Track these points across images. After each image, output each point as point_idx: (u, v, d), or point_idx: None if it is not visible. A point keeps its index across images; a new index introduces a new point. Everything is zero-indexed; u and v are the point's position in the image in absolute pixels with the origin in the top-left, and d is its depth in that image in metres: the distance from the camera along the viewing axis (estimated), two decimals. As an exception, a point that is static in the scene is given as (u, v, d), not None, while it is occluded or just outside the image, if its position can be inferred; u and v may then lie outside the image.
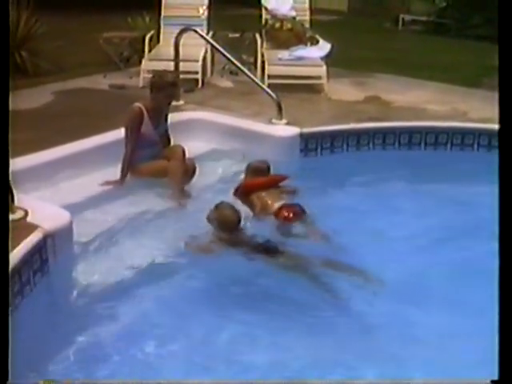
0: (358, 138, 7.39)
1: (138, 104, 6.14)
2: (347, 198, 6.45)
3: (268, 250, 5.25)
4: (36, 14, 10.23)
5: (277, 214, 5.75)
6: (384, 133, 7.49)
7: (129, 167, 6.17)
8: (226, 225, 5.42)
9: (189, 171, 6.32)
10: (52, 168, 6.02)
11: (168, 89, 6.25)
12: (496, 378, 2.47)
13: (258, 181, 6.14)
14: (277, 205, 5.79)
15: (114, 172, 6.18)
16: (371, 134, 7.44)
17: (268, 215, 5.79)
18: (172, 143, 6.55)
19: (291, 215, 5.73)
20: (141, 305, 4.68)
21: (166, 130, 6.53)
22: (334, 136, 7.31)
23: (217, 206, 5.46)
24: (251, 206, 5.93)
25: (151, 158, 6.27)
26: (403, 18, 16.71)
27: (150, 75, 7.10)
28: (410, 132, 7.52)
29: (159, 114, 6.34)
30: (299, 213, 5.77)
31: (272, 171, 6.35)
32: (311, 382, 3.98)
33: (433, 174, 6.85)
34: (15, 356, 3.10)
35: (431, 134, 7.48)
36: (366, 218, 6.03)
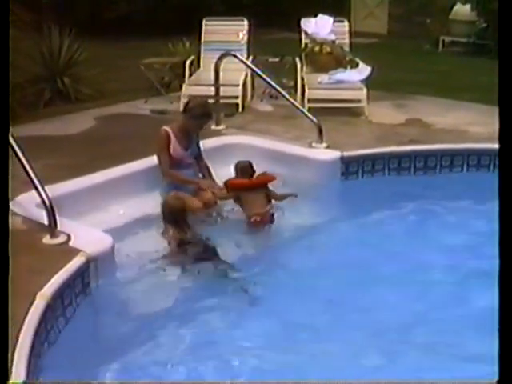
0: (399, 161, 7.34)
1: (164, 127, 6.23)
2: (388, 223, 6.42)
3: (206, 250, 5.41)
4: (78, 41, 10.42)
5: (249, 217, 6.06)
6: (425, 155, 7.43)
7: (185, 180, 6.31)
8: (171, 214, 5.60)
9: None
10: (95, 193, 6.09)
11: (198, 115, 6.31)
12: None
13: (242, 182, 6.32)
14: (254, 214, 6.02)
15: (154, 197, 6.25)
16: (412, 156, 7.38)
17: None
18: (209, 166, 6.65)
19: (258, 219, 6.02)
20: (178, 330, 4.67)
21: (200, 155, 6.59)
22: (374, 159, 7.26)
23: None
24: (240, 205, 6.24)
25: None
26: (443, 40, 16.61)
27: (191, 100, 7.14)
28: (452, 154, 7.45)
29: (189, 137, 6.38)
30: (266, 220, 6.04)
31: (313, 195, 6.47)
32: (311, 382, 3.96)
33: (476, 196, 6.76)
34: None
35: (473, 156, 7.40)
36: (406, 244, 5.97)
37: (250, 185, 6.29)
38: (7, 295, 2.97)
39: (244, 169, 6.43)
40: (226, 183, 6.34)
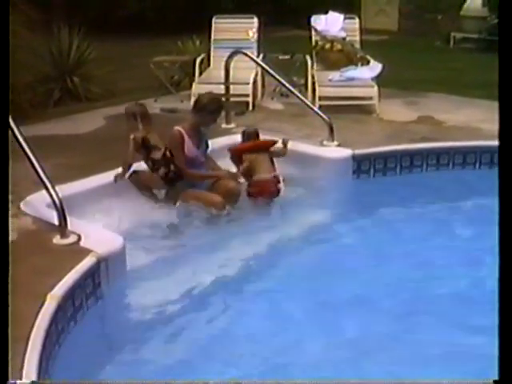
0: (412, 159, 7.29)
1: (177, 127, 6.15)
2: (401, 220, 6.38)
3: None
4: (87, 40, 10.41)
5: (248, 185, 6.42)
6: (438, 153, 7.38)
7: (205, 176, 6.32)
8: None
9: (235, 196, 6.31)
10: (105, 192, 6.05)
11: (214, 110, 6.26)
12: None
13: (244, 145, 6.75)
14: (257, 177, 6.38)
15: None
16: (424, 154, 7.34)
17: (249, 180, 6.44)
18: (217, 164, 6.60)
19: (255, 192, 6.35)
20: (191, 333, 4.64)
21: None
22: (386, 157, 7.21)
23: None
24: (244, 170, 6.48)
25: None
26: (454, 36, 16.55)
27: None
28: (465, 152, 7.40)
29: (200, 135, 6.34)
30: (266, 193, 6.34)
31: (324, 193, 6.56)
32: (311, 382, 3.93)
33: (489, 193, 6.69)
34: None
35: (486, 153, 7.34)
36: (418, 242, 5.93)
37: (252, 146, 6.62)
38: (7, 295, 2.95)
39: (249, 134, 6.81)
40: (229, 150, 6.68)
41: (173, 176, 6.10)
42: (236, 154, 6.65)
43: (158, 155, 6.11)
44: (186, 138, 6.12)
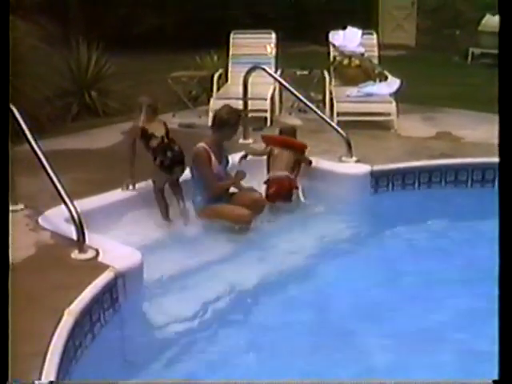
0: (430, 175, 7.25)
1: (201, 145, 6.14)
2: (419, 236, 6.34)
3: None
4: (106, 55, 10.46)
5: (267, 182, 6.63)
6: (456, 169, 7.33)
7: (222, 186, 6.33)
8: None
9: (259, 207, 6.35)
10: (123, 208, 6.07)
11: (235, 122, 6.30)
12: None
13: (274, 136, 7.18)
14: (273, 173, 6.64)
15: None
16: (443, 170, 7.29)
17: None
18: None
19: (271, 191, 6.54)
20: (207, 347, 4.61)
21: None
22: (405, 173, 7.18)
23: None
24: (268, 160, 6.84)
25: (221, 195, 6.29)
26: (472, 52, 16.50)
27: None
28: (483, 168, 7.34)
29: (222, 150, 6.36)
30: (280, 196, 6.54)
31: (343, 209, 6.63)
32: (311, 381, 3.91)
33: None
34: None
35: (505, 170, 7.27)
36: (435, 259, 5.87)
37: (283, 141, 6.94)
38: (7, 296, 2.95)
39: (286, 130, 7.27)
40: (262, 136, 7.18)
41: (169, 163, 6.10)
42: (266, 142, 7.01)
43: (154, 143, 6.13)
44: (211, 154, 6.13)
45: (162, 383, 4.14)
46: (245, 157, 6.94)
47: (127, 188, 6.30)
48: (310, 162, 6.98)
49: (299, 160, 6.86)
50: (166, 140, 6.15)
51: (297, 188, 6.66)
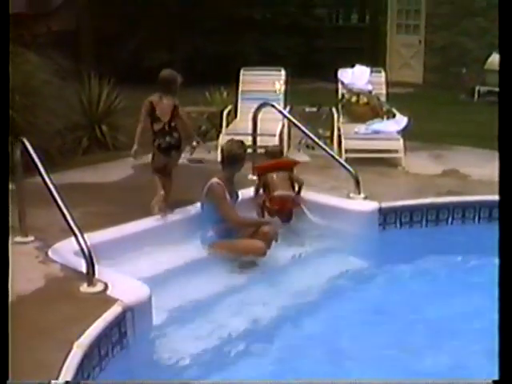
0: (437, 213, 7.28)
1: (216, 180, 6.21)
2: (426, 273, 6.35)
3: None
4: (117, 89, 10.56)
5: (268, 201, 6.80)
6: (463, 207, 7.36)
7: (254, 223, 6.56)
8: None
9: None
10: (132, 241, 6.10)
11: (244, 156, 6.43)
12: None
13: (268, 163, 7.18)
14: (278, 192, 6.75)
15: (196, 245, 6.36)
16: (450, 208, 7.32)
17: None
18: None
19: (274, 208, 6.76)
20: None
21: None
22: (412, 210, 7.21)
23: None
24: (264, 186, 6.92)
25: (231, 229, 6.33)
26: (479, 90, 16.57)
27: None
28: (491, 206, 7.35)
29: (233, 185, 6.44)
30: (286, 209, 6.79)
31: (350, 246, 6.64)
32: (311, 382, 3.93)
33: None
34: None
35: (512, 208, 7.28)
36: (443, 296, 5.88)
37: (275, 165, 7.07)
38: (7, 297, 2.98)
39: (273, 153, 7.38)
40: (254, 168, 7.28)
41: (165, 147, 6.74)
42: (259, 171, 7.14)
43: (156, 127, 6.78)
44: (226, 189, 6.22)
45: (162, 383, 4.12)
46: None
47: (135, 157, 6.92)
48: (302, 183, 7.11)
49: (292, 178, 7.05)
50: (167, 128, 6.76)
51: (301, 205, 6.95)
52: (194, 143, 7.22)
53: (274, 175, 6.90)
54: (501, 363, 2.40)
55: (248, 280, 6.00)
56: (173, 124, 6.82)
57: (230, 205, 6.26)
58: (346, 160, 8.08)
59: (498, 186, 2.60)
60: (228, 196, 6.24)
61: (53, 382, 3.48)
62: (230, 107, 10.22)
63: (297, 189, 7.03)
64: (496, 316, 5.03)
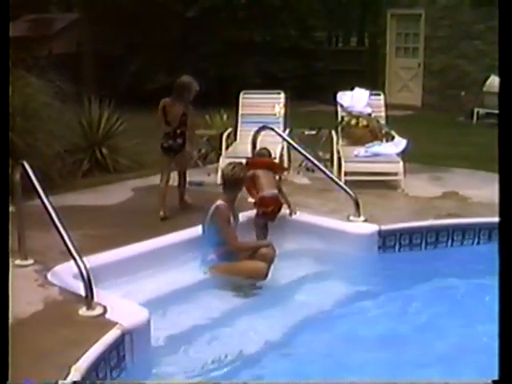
0: (437, 235, 7.28)
1: (222, 203, 6.23)
2: (426, 296, 6.34)
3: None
4: (117, 112, 10.60)
5: (257, 202, 6.97)
6: (463, 229, 7.37)
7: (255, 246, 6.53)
8: None
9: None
10: (132, 264, 6.10)
11: (242, 183, 6.46)
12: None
13: (257, 159, 7.53)
14: (266, 192, 6.95)
15: (194, 267, 6.34)
16: (450, 230, 7.32)
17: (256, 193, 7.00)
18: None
19: (267, 210, 6.93)
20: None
21: None
22: (412, 233, 7.21)
23: None
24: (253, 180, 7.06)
25: (232, 252, 6.34)
26: (478, 112, 16.64)
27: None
28: (490, 228, 7.35)
29: (233, 206, 6.45)
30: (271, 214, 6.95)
31: (350, 268, 6.68)
32: (311, 382, 3.92)
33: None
34: None
35: (513, 230, 7.28)
36: (443, 318, 5.86)
37: (265, 162, 7.39)
38: (7, 298, 2.98)
39: (262, 153, 7.60)
40: (247, 162, 7.24)
41: (166, 147, 7.74)
42: (252, 166, 7.19)
43: (166, 129, 7.73)
44: (230, 212, 6.27)
45: (162, 383, 4.10)
46: None
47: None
48: (289, 204, 7.35)
49: (277, 181, 7.43)
50: (174, 132, 7.67)
51: (289, 205, 7.29)
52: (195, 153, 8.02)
53: (262, 172, 7.10)
54: (501, 363, 2.40)
55: (249, 303, 5.99)
56: (178, 131, 7.70)
57: (233, 228, 6.27)
58: (346, 183, 8.09)
59: (498, 208, 2.60)
60: (233, 220, 6.28)
61: (60, 382, 3.46)
62: (229, 130, 10.24)
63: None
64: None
